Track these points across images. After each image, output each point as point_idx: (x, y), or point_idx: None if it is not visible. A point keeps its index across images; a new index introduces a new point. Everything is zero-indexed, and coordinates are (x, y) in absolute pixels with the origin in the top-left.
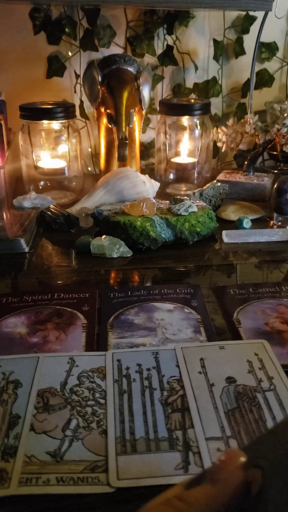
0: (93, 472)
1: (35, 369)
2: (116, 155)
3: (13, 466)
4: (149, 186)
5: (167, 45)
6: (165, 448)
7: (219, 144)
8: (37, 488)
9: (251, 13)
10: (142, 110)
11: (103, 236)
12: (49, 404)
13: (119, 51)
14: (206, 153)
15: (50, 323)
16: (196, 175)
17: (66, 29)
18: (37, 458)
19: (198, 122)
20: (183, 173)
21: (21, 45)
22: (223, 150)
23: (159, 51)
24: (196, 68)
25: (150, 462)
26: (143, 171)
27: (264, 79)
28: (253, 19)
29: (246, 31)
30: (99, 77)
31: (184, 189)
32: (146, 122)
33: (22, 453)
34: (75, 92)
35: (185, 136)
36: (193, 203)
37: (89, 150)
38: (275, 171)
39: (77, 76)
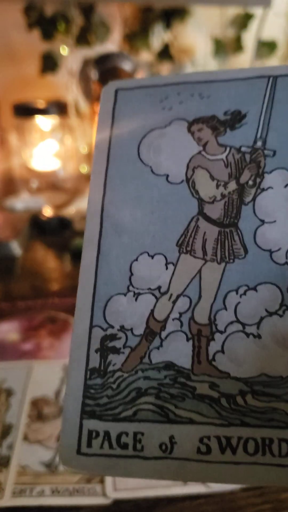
0: (89, 483)
1: (28, 377)
2: None
3: (6, 477)
4: None
5: (164, 42)
6: None
7: None
8: (31, 499)
9: (249, 10)
10: None
11: None
12: (43, 413)
13: (115, 48)
14: None
15: (44, 329)
16: None
17: (61, 26)
18: (31, 468)
19: None
20: None
21: (14, 42)
22: None
23: (155, 48)
24: (194, 65)
25: None
26: None
27: None
28: (251, 16)
29: (245, 28)
30: (95, 75)
31: None
32: None
33: (15, 463)
34: (69, 90)
35: None
36: None
37: (85, 149)
38: None
39: (72, 74)
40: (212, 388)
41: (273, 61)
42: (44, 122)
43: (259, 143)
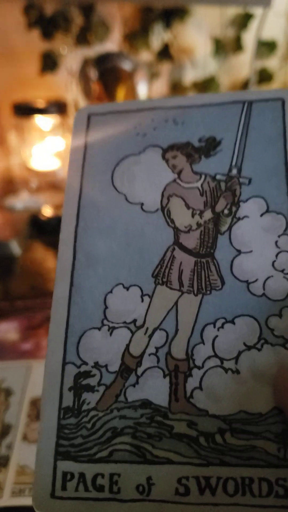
0: None
1: (28, 377)
2: None
3: (5, 476)
4: None
5: (164, 42)
6: None
7: None
8: (30, 499)
9: (249, 10)
10: None
11: None
12: None
13: (115, 48)
14: None
15: (43, 329)
16: None
17: (61, 26)
18: (30, 468)
19: None
20: None
21: (14, 41)
22: None
23: (155, 48)
24: (193, 65)
25: None
26: None
27: (263, 77)
28: (251, 16)
29: (245, 28)
30: (94, 74)
31: None
32: None
33: (14, 463)
34: (69, 89)
35: None
36: None
37: None
38: None
39: (72, 73)
40: (190, 426)
41: (273, 61)
42: (43, 122)
43: (234, 171)
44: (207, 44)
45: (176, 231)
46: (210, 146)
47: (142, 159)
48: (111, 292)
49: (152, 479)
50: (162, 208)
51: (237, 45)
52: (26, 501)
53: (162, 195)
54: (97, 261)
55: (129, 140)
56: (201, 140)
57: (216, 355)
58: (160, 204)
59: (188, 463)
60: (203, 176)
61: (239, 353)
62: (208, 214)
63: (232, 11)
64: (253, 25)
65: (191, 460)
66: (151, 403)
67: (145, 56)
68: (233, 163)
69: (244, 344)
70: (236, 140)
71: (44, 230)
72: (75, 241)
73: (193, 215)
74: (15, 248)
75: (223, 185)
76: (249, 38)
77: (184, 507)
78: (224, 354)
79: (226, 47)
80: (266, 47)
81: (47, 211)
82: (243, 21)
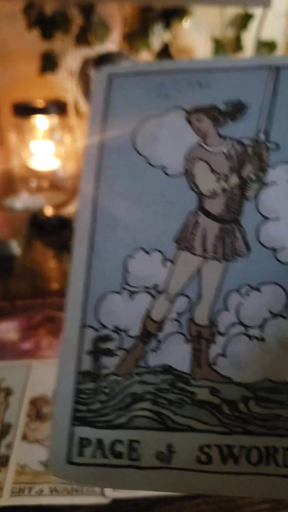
0: None
1: (27, 376)
2: None
3: (5, 476)
4: None
5: (164, 42)
6: None
7: None
8: (29, 498)
9: (249, 10)
10: None
11: None
12: (41, 412)
13: (115, 48)
14: None
15: (43, 329)
16: None
17: (61, 26)
18: (30, 468)
19: None
20: None
21: (13, 41)
22: None
23: (155, 48)
24: None
25: None
26: None
27: None
28: (251, 16)
29: (245, 28)
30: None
31: None
32: None
33: (14, 463)
34: (69, 89)
35: None
36: None
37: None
38: None
39: (72, 73)
40: (213, 393)
41: None
42: (43, 122)
43: (261, 136)
44: (207, 44)
45: (200, 196)
46: (237, 109)
47: (165, 121)
48: (131, 256)
49: (173, 446)
50: (186, 172)
51: (237, 45)
52: (26, 500)
53: (186, 159)
54: (118, 224)
55: (152, 101)
56: (227, 103)
57: (240, 322)
58: (184, 167)
59: (210, 431)
60: (229, 140)
61: (265, 320)
62: (234, 179)
63: (232, 11)
64: (253, 25)
65: (214, 428)
66: (173, 369)
67: (145, 56)
68: (261, 128)
69: (270, 311)
70: (263, 105)
71: (44, 230)
72: (94, 204)
73: (218, 180)
74: (15, 248)
75: (249, 150)
76: (248, 38)
77: (206, 475)
78: (249, 321)
79: (225, 47)
80: (266, 47)
81: (47, 211)
82: (243, 21)
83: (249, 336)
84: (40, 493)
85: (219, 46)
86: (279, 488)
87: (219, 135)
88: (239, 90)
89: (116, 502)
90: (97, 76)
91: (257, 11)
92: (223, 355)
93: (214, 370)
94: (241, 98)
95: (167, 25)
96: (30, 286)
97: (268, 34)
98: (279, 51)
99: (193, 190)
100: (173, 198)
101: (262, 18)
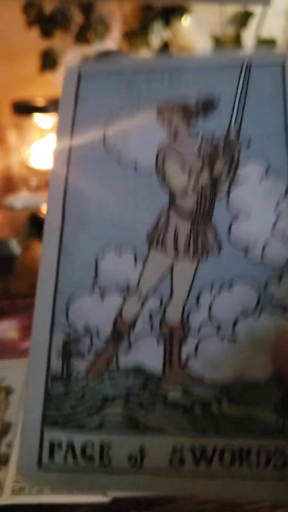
0: None
1: None
2: None
3: (5, 475)
4: None
5: (164, 40)
6: None
7: None
8: (30, 497)
9: (249, 8)
10: None
11: None
12: None
13: (114, 46)
14: None
15: None
16: None
17: (60, 24)
18: None
19: None
20: None
21: (13, 39)
22: None
23: (155, 46)
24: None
25: None
26: None
27: None
28: (251, 14)
29: (244, 26)
30: None
31: None
32: None
33: (14, 461)
34: None
35: None
36: None
37: None
38: None
39: None
40: (184, 395)
41: None
42: (43, 120)
43: (233, 132)
44: (206, 42)
45: (172, 194)
46: (208, 106)
47: (136, 118)
48: (102, 255)
49: (145, 449)
50: (157, 170)
51: (237, 43)
52: (26, 499)
53: (157, 157)
54: (88, 223)
55: (122, 98)
56: (199, 100)
57: (212, 322)
58: (155, 165)
59: (182, 433)
60: (200, 137)
61: (236, 320)
62: (205, 177)
63: (232, 9)
64: (253, 24)
65: (186, 430)
66: (144, 371)
67: (145, 54)
68: (232, 124)
69: (242, 311)
70: (234, 101)
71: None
72: (64, 200)
73: (189, 178)
74: (15, 247)
75: (221, 146)
76: (248, 36)
77: (179, 477)
78: (220, 321)
79: (225, 45)
80: (266, 45)
81: None
82: (243, 19)
83: (221, 336)
84: (40, 492)
85: (219, 44)
86: (252, 489)
87: (190, 132)
88: (210, 87)
89: (116, 500)
90: (67, 75)
91: (257, 9)
92: (195, 355)
93: (186, 371)
94: (212, 95)
95: (167, 23)
96: (30, 285)
97: (268, 32)
98: (279, 49)
99: (164, 188)
100: (144, 196)
101: (262, 16)
